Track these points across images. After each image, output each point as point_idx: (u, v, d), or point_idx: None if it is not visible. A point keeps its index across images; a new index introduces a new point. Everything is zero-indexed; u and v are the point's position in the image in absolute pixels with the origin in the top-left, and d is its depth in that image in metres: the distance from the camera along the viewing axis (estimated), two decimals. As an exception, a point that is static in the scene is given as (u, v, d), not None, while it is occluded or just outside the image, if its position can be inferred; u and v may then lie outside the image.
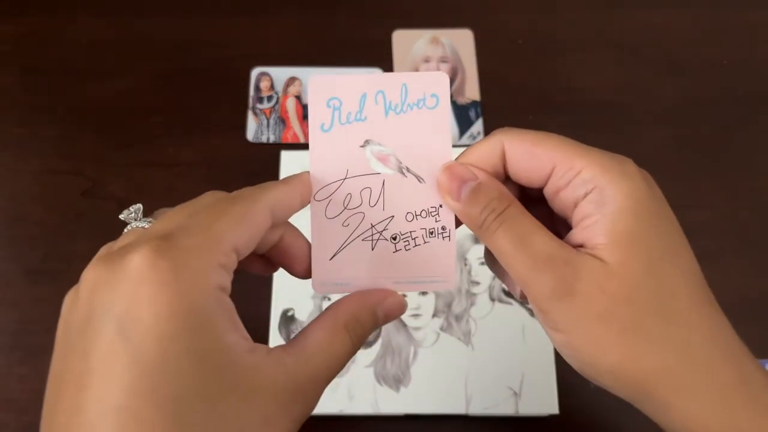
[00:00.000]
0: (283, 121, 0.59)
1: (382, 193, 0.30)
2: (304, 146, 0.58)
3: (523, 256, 0.27)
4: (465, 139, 0.59)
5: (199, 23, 0.64)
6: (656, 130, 0.59)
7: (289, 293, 0.51)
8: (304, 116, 0.60)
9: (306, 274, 0.30)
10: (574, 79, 0.62)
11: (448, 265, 0.30)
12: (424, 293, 0.50)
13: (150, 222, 0.27)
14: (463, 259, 0.52)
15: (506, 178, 0.29)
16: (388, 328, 0.50)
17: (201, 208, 0.26)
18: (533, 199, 0.30)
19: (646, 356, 0.26)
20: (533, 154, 0.28)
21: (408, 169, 0.30)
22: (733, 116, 0.60)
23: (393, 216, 0.30)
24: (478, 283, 0.51)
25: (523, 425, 0.48)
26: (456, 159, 0.30)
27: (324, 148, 0.29)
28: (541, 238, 0.27)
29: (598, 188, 0.27)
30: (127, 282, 0.23)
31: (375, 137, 0.29)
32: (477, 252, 0.52)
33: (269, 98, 0.60)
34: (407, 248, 0.30)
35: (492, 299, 0.51)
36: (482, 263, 0.52)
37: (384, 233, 0.30)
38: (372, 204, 0.30)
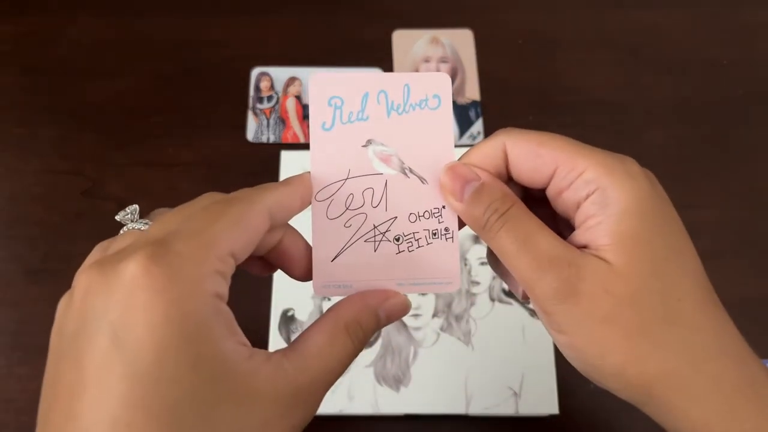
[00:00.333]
0: (283, 121, 0.59)
1: (384, 194, 0.29)
2: (304, 146, 0.58)
3: (527, 257, 0.26)
4: (465, 139, 0.59)
5: (199, 23, 0.64)
6: (656, 130, 0.59)
7: (289, 293, 0.51)
8: (304, 116, 0.60)
9: (305, 277, 0.30)
10: (574, 79, 0.62)
11: (452, 266, 0.30)
12: (423, 293, 0.50)
13: (146, 223, 0.27)
14: (463, 260, 0.52)
15: (509, 179, 0.29)
16: (388, 328, 0.50)
17: (197, 211, 0.26)
18: (536, 200, 0.30)
19: (650, 358, 0.25)
20: (536, 154, 0.28)
21: (411, 170, 0.29)
22: (733, 116, 0.60)
23: (396, 217, 0.29)
24: (478, 283, 0.51)
25: (523, 425, 0.48)
26: (458, 160, 0.29)
27: (325, 147, 0.29)
28: (545, 238, 0.27)
29: (600, 189, 0.26)
30: (121, 289, 0.22)
31: (377, 137, 0.29)
32: (477, 252, 0.52)
33: (269, 98, 0.60)
34: (410, 249, 0.29)
35: (492, 299, 0.51)
36: (482, 263, 0.52)
37: (387, 234, 0.29)
38: (374, 205, 0.29)
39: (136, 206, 0.28)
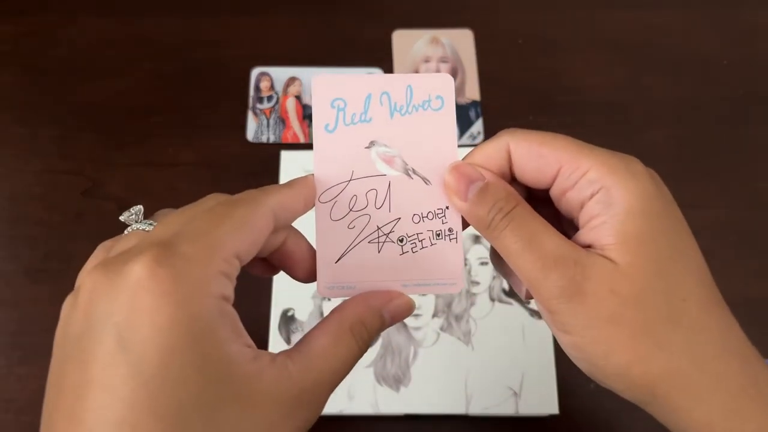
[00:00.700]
0: (283, 121, 0.59)
1: (388, 195, 0.29)
2: (304, 146, 0.58)
3: (532, 256, 0.26)
4: (465, 139, 0.59)
5: (199, 23, 0.64)
6: (656, 130, 0.60)
7: (289, 293, 0.51)
8: (304, 116, 0.60)
9: (308, 278, 0.30)
10: (574, 79, 0.62)
11: (456, 267, 0.30)
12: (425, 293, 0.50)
13: (150, 224, 0.27)
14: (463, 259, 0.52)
15: (512, 179, 0.29)
16: (388, 329, 0.50)
17: (202, 212, 0.25)
18: (539, 200, 0.30)
19: (655, 359, 0.25)
20: (539, 154, 0.28)
21: (414, 171, 0.29)
22: (733, 116, 0.60)
23: (399, 218, 0.29)
24: (478, 283, 0.51)
25: (523, 425, 0.48)
26: (462, 160, 0.29)
27: (328, 149, 0.29)
28: (550, 237, 0.27)
29: (605, 188, 0.26)
30: (126, 291, 0.22)
31: (380, 138, 0.29)
32: (477, 252, 0.52)
33: (269, 98, 0.60)
34: (414, 250, 0.29)
35: (492, 299, 0.51)
36: (482, 263, 0.52)
37: (390, 235, 0.29)
38: (378, 206, 0.29)
39: (140, 207, 0.28)
